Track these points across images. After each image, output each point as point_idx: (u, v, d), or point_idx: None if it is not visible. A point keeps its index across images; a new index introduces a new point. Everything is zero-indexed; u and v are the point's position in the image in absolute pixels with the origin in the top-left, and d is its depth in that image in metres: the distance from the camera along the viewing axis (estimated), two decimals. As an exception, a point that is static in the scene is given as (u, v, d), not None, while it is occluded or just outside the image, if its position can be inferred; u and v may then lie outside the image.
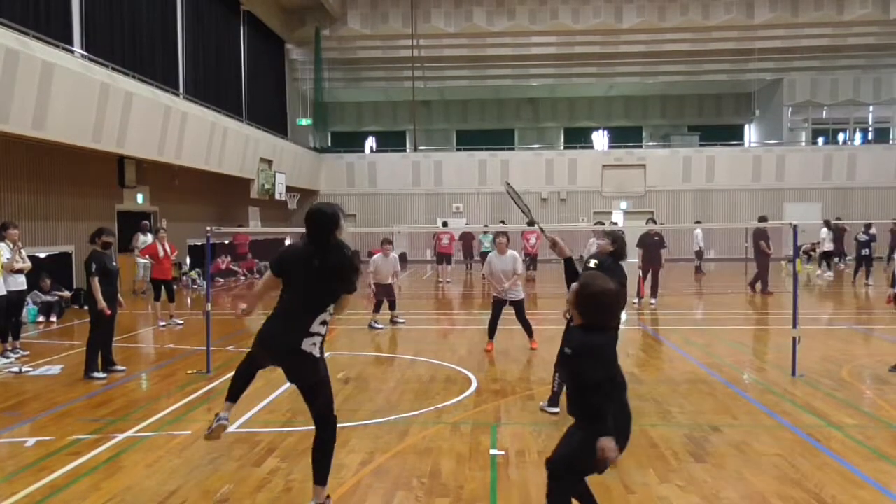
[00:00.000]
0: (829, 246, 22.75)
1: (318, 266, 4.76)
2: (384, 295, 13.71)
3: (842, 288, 21.13)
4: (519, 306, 11.07)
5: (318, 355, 4.83)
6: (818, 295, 19.57)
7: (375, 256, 13.67)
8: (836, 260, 25.83)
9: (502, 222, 30.11)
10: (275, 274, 4.93)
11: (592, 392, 4.04)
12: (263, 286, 5.08)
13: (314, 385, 4.94)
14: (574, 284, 4.35)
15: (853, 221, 25.80)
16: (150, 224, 19.96)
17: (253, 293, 5.06)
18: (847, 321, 14.69)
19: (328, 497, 5.07)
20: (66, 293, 16.01)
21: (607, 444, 3.96)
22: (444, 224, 27.04)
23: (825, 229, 22.79)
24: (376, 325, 13.56)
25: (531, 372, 9.67)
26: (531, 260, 24.29)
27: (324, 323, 4.82)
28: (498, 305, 11.06)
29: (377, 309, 13.76)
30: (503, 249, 11.07)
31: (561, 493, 4.28)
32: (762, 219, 19.73)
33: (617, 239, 7.60)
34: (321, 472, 4.98)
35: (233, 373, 5.24)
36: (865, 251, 21.75)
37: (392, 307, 13.94)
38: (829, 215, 29.62)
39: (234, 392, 5.14)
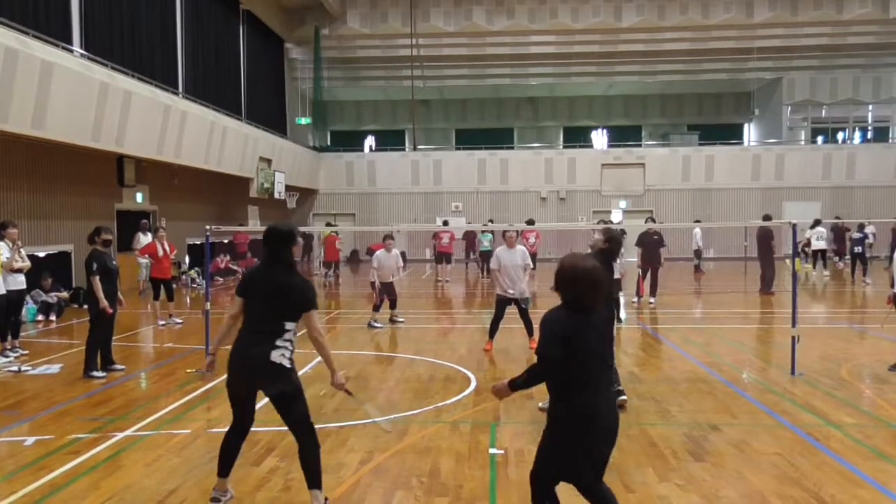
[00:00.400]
0: (819, 244, 22.72)
1: (275, 282, 4.98)
2: (386, 293, 13.65)
3: (841, 287, 21.14)
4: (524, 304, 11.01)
5: (289, 365, 4.95)
6: (817, 294, 19.58)
7: (378, 252, 13.52)
8: (837, 259, 25.83)
9: (490, 221, 30.06)
10: (239, 295, 5.11)
11: (539, 363, 4.04)
12: (230, 317, 5.18)
13: (288, 395, 4.99)
14: None
15: (853, 220, 25.77)
16: (150, 223, 19.88)
17: (219, 335, 5.29)
18: (846, 320, 14.70)
19: (326, 499, 5.07)
20: (65, 293, 15.95)
21: (501, 388, 4.28)
22: (445, 223, 27.07)
23: (810, 229, 22.81)
24: (376, 325, 13.52)
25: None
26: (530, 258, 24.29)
27: (288, 340, 4.96)
28: (502, 305, 10.98)
29: (377, 308, 13.70)
30: (512, 243, 11.01)
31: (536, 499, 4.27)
32: (767, 218, 19.78)
33: (611, 239, 7.41)
34: (313, 476, 5.01)
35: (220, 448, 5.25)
36: (858, 248, 21.82)
37: (392, 306, 13.88)
38: (828, 214, 29.62)
39: (225, 466, 5.21)
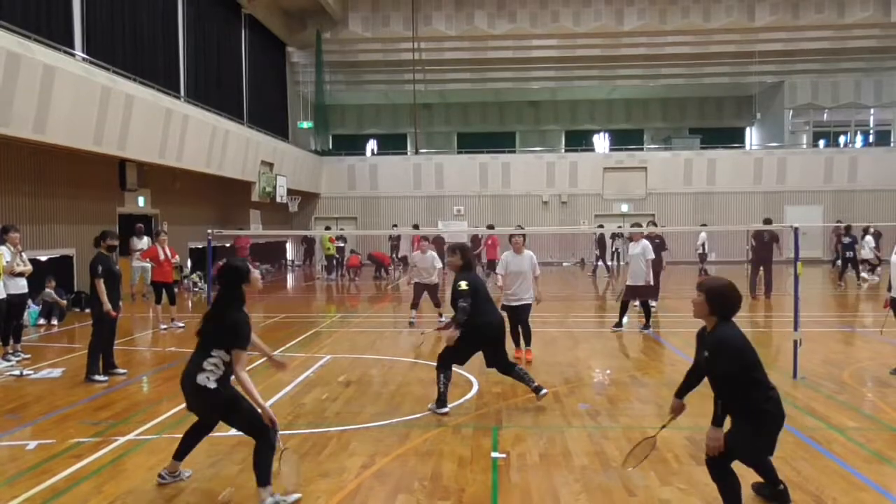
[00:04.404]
0: (867, 254, 22.71)
1: (214, 312, 5.33)
2: (429, 294, 14.27)
3: (843, 291, 21.11)
4: (525, 310, 10.59)
5: (213, 387, 5.19)
6: (820, 298, 19.55)
7: (413, 253, 14.40)
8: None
9: (491, 227, 29.79)
10: None
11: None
12: None
13: (219, 413, 5.39)
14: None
15: (855, 224, 25.71)
16: (145, 228, 19.49)
17: None
18: (848, 324, 14.68)
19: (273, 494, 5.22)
20: (63, 301, 15.61)
21: (715, 437, 4.84)
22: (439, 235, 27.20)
23: (869, 236, 22.76)
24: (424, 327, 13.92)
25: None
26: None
27: (215, 365, 5.19)
28: (508, 313, 10.34)
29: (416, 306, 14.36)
30: (519, 248, 10.86)
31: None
32: (767, 221, 19.85)
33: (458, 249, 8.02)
34: (260, 474, 5.20)
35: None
36: (850, 254, 21.88)
37: (437, 305, 14.49)
38: (830, 218, 29.59)
39: (181, 451, 5.70)
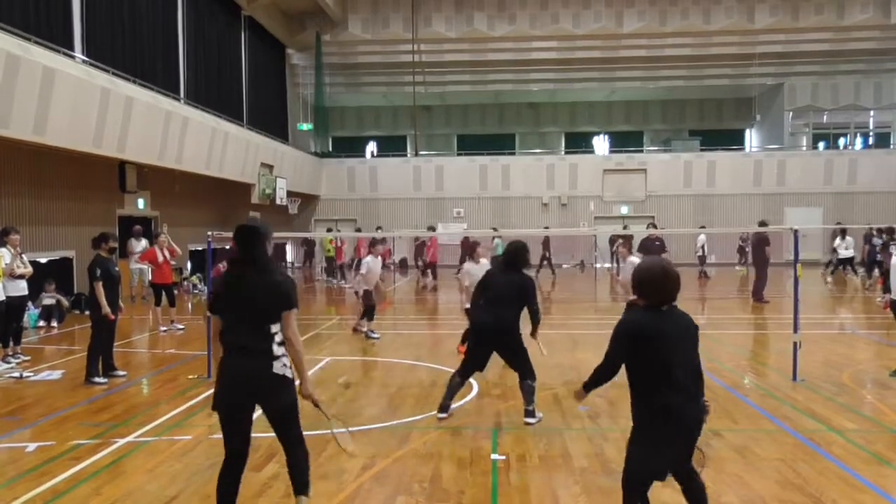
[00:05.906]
0: (846, 253, 22.65)
1: (252, 285, 4.48)
2: (367, 300, 12.91)
3: (844, 293, 21.11)
4: None
5: (290, 375, 4.49)
6: (819, 300, 19.55)
7: (367, 258, 12.97)
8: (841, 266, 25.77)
9: (495, 229, 29.86)
10: (215, 312, 4.63)
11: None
12: (214, 335, 4.66)
13: (289, 409, 4.56)
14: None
15: (855, 226, 25.73)
16: (145, 230, 19.40)
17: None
18: (849, 326, 14.68)
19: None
20: (65, 302, 15.69)
21: (577, 391, 4.50)
22: (432, 228, 27.14)
23: (850, 238, 22.64)
24: (373, 335, 12.88)
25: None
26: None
27: (281, 344, 4.47)
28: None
29: (370, 317, 13.02)
30: (481, 256, 10.76)
31: None
32: (763, 224, 19.79)
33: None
34: (302, 482, 4.74)
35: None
36: (880, 256, 21.56)
37: (371, 317, 13.05)
38: (830, 220, 29.63)
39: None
